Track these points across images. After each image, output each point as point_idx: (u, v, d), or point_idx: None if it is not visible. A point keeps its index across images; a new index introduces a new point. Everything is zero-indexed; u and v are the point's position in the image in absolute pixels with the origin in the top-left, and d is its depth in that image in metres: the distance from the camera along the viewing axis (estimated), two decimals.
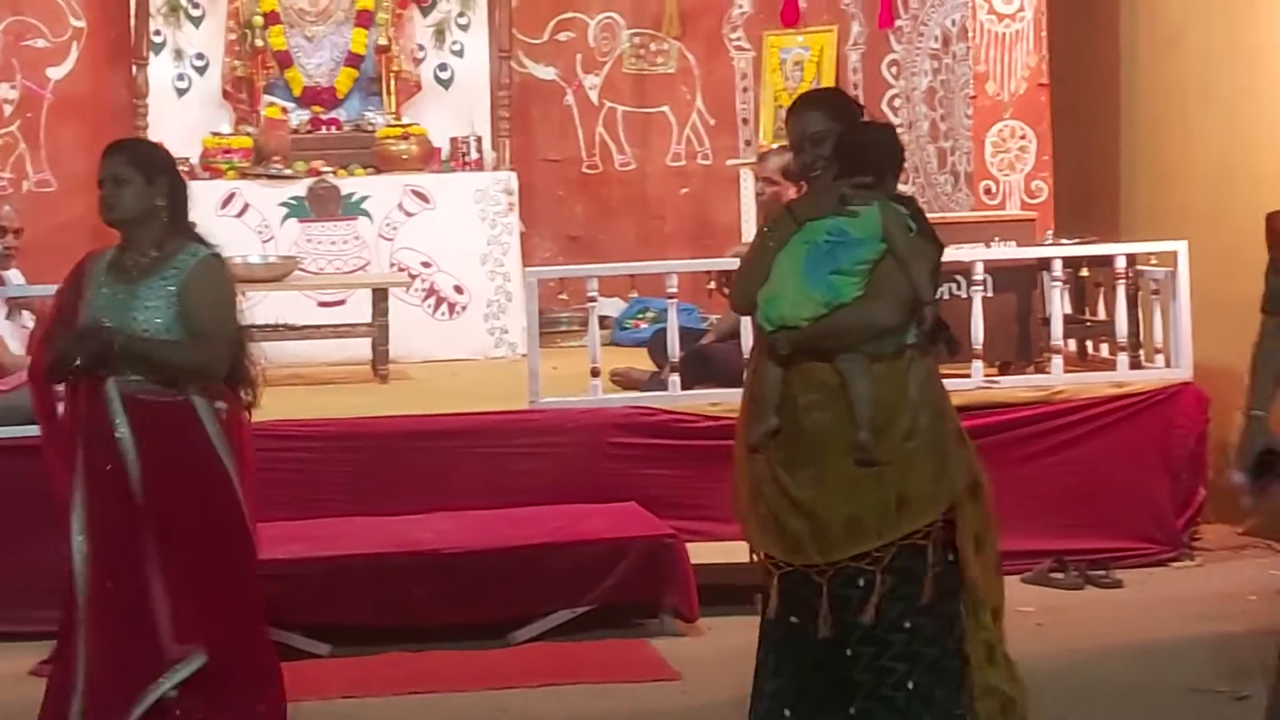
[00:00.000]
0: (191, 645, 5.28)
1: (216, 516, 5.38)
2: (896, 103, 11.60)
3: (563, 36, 12.37)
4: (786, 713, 5.28)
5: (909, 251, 5.22)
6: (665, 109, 12.35)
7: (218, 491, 5.39)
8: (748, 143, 12.15)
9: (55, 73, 11.68)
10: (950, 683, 5.22)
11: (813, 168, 5.34)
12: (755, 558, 5.43)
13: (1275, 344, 5.12)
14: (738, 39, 12.33)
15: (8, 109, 11.64)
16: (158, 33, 11.59)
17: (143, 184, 5.50)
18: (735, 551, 8.09)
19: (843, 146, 5.31)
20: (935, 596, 5.18)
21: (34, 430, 7.93)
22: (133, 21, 11.36)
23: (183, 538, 5.33)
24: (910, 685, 5.17)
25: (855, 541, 5.15)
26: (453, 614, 7.59)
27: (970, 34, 10.38)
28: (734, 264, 8.79)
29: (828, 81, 11.79)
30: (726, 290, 9.15)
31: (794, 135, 5.39)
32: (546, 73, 12.36)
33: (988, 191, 10.29)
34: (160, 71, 11.56)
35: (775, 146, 10.26)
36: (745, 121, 12.27)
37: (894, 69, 11.62)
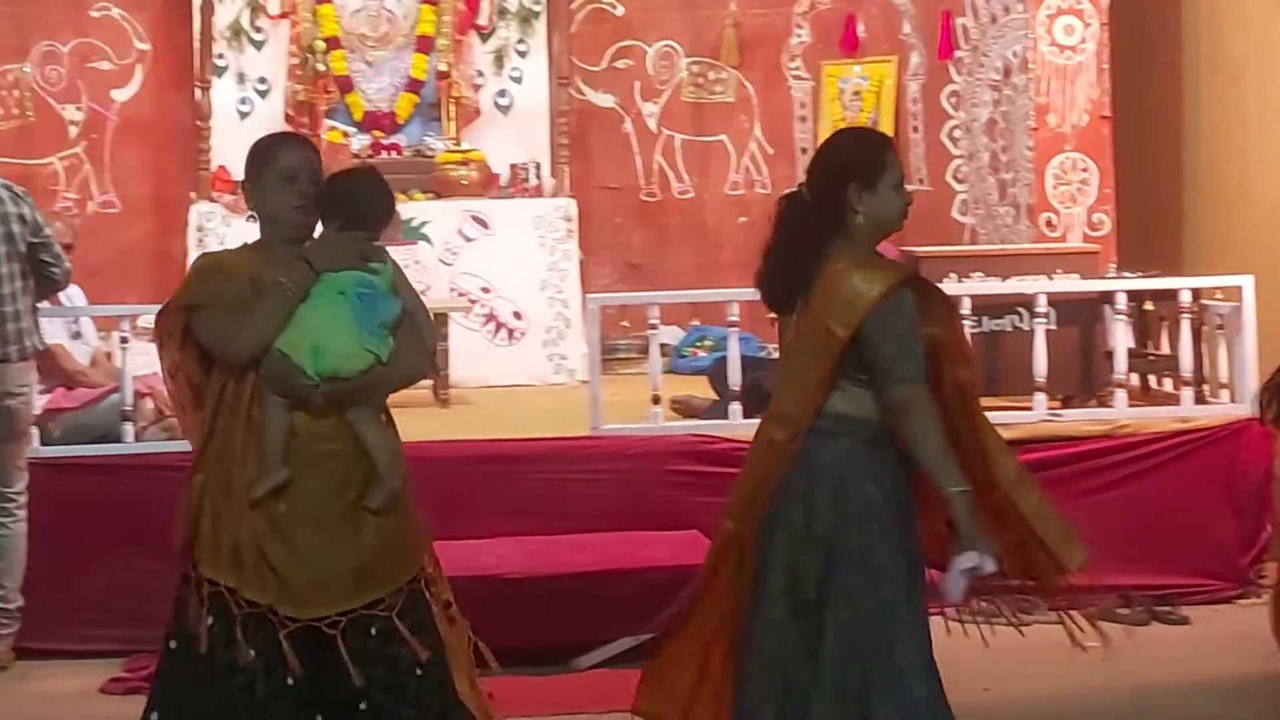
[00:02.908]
0: None
1: None
2: (956, 134, 11.60)
3: (621, 64, 12.42)
4: None
5: (417, 304, 5.30)
6: (723, 138, 12.38)
7: None
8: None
9: (120, 95, 11.78)
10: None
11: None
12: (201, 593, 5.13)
13: (935, 413, 4.91)
14: (796, 68, 12.35)
15: (73, 130, 11.73)
16: (221, 56, 11.67)
17: None
18: None
19: (338, 195, 5.28)
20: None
21: (103, 449, 8.11)
22: (196, 45, 11.44)
23: None
24: None
25: (367, 589, 5.15)
26: (515, 638, 7.53)
27: (1031, 65, 10.37)
28: None
29: (887, 112, 11.82)
30: None
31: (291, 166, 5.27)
32: (605, 100, 12.41)
33: (1049, 224, 10.27)
34: (223, 95, 11.64)
35: None
36: (804, 151, 12.29)
37: (954, 100, 11.62)
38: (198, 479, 5.22)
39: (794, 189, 5.13)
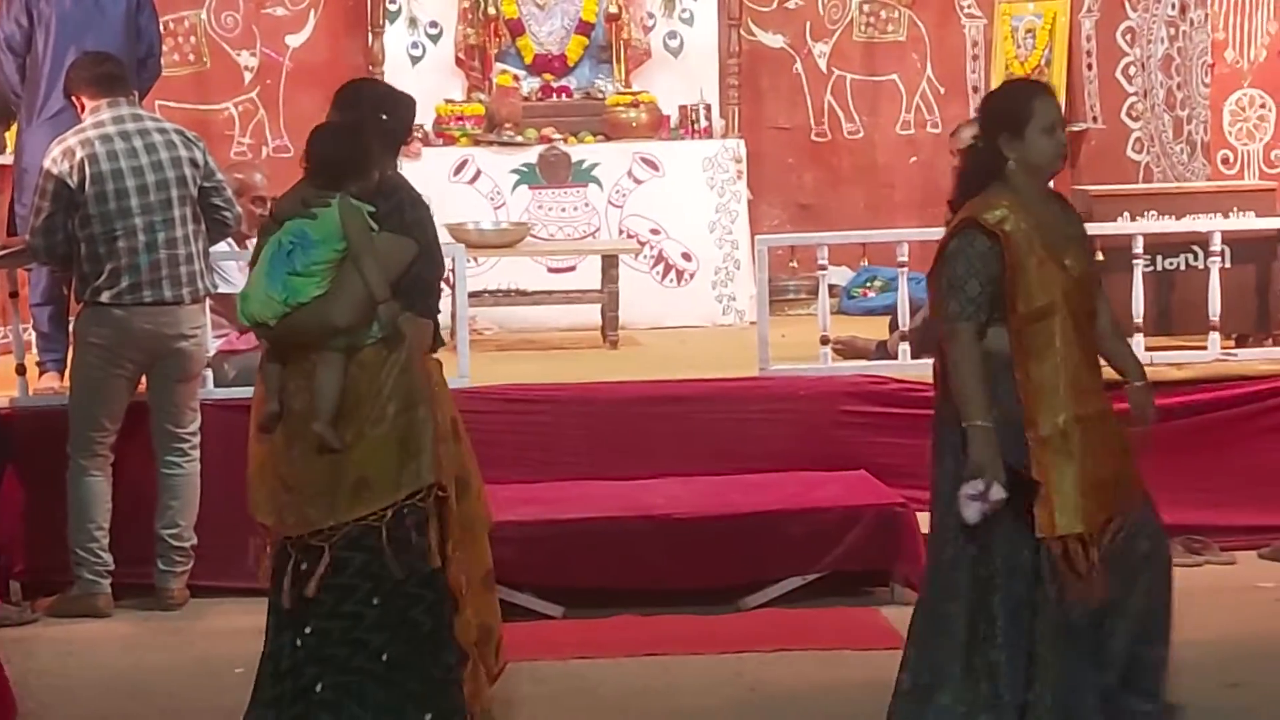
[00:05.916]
0: None
1: None
2: (1131, 70, 11.41)
3: (792, 4, 12.29)
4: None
5: (362, 249, 5.49)
6: (894, 77, 12.25)
7: None
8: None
9: (293, 40, 11.85)
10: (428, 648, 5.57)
11: None
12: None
13: (976, 351, 5.35)
14: (969, 7, 12.18)
15: (248, 76, 11.83)
16: (393, 1, 11.74)
17: None
18: None
19: (307, 149, 5.67)
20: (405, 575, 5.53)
21: None
22: None
23: None
24: (384, 657, 5.51)
25: (314, 519, 5.50)
26: (684, 579, 7.64)
27: (1209, 1, 10.19)
28: None
29: (1060, 51, 11.65)
30: None
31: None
32: (775, 40, 12.32)
33: (1225, 161, 10.09)
34: (395, 39, 11.71)
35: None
36: (975, 90, 12.12)
37: (1129, 36, 11.43)
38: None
39: (973, 141, 5.65)
